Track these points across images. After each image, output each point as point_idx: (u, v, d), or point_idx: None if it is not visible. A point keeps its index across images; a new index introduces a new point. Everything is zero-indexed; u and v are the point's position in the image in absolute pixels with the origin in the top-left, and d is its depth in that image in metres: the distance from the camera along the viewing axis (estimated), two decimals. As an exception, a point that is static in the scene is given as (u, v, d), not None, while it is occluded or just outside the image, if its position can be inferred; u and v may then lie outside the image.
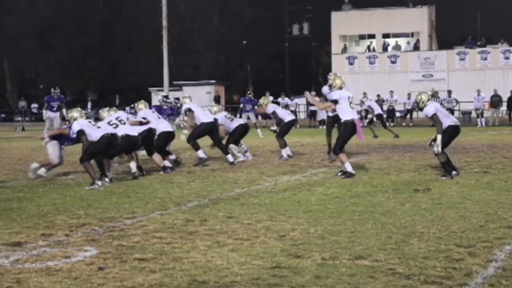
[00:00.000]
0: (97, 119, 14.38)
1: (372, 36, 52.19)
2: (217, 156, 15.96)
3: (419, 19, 50.94)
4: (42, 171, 12.72)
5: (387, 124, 27.65)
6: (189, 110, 14.71)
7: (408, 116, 38.54)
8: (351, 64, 49.96)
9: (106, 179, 11.51)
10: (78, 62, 64.89)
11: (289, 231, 7.32)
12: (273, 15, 70.86)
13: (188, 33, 66.08)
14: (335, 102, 12.30)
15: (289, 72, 69.23)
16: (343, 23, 51.63)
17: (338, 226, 7.57)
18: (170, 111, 17.07)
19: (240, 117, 25.91)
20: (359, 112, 16.26)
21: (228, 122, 15.53)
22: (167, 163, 13.56)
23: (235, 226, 7.64)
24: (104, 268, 5.84)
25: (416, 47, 50.45)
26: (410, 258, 6.01)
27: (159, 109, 15.18)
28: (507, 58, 47.73)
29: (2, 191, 11.00)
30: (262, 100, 17.80)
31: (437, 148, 11.52)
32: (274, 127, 16.80)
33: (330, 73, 14.73)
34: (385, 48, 51.10)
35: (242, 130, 15.51)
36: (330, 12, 52.96)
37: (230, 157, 14.79)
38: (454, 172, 11.78)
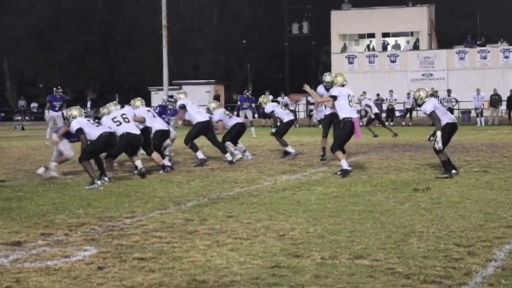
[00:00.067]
0: (97, 118, 14.34)
1: (371, 35, 52.25)
2: (216, 155, 15.96)
3: (418, 18, 50.98)
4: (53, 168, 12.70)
5: (387, 123, 27.66)
6: (183, 106, 14.70)
7: (408, 115, 38.58)
8: (350, 63, 49.99)
9: (106, 179, 11.50)
10: (78, 61, 64.93)
11: (288, 230, 7.31)
12: (273, 15, 70.90)
13: (187, 33, 66.14)
14: (334, 98, 12.27)
15: (289, 71, 69.27)
16: (343, 22, 51.67)
17: (337, 225, 7.57)
18: (174, 111, 17.04)
19: (238, 115, 25.91)
20: (358, 112, 16.21)
21: (227, 119, 15.55)
22: (166, 162, 13.56)
23: (234, 226, 7.64)
24: (103, 268, 5.84)
25: (416, 46, 50.47)
26: (410, 258, 6.00)
27: (163, 109, 15.15)
28: (506, 57, 47.75)
29: (1, 191, 10.98)
30: (261, 99, 17.82)
31: (438, 144, 11.50)
32: (274, 130, 16.75)
33: (325, 73, 14.73)
34: (384, 47, 51.14)
35: (239, 129, 15.53)
36: (329, 11, 53.02)
37: (228, 156, 14.80)
38: (453, 171, 11.77)
